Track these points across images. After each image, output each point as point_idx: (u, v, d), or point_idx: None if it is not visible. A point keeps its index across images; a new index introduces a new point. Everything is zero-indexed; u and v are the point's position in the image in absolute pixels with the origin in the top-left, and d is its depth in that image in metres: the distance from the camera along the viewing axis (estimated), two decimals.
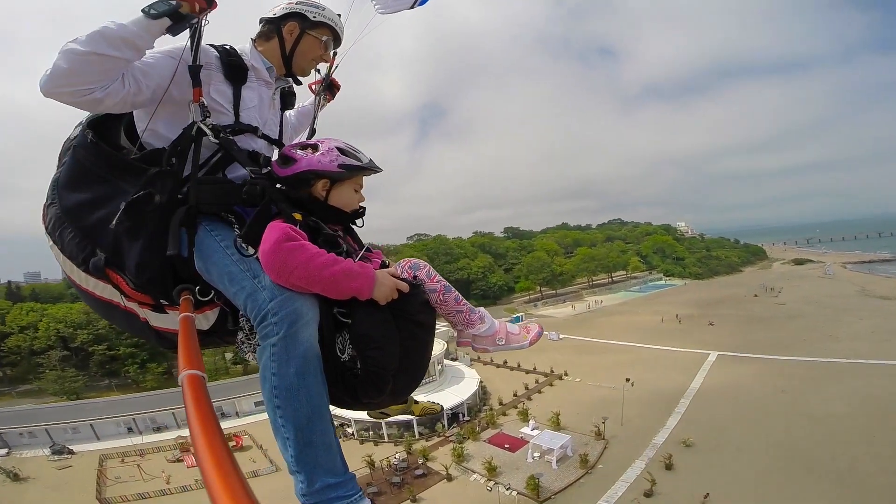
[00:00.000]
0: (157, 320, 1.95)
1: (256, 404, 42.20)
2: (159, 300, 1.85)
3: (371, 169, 1.90)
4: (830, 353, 42.32)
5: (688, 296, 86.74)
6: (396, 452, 31.64)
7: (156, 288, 1.80)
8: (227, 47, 1.97)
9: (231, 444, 30.93)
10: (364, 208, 2.01)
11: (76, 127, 1.97)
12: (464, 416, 37.53)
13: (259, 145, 2.08)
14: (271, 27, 2.09)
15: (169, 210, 1.72)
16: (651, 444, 28.36)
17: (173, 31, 1.61)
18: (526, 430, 32.45)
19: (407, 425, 34.93)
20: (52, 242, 1.92)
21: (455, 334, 2.04)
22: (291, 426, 1.43)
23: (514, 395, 40.87)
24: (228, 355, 59.05)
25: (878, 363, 38.22)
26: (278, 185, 1.82)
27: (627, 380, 35.30)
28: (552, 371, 45.56)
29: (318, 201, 1.83)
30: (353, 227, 2.06)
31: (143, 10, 1.54)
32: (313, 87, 2.69)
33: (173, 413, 40.95)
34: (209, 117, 1.79)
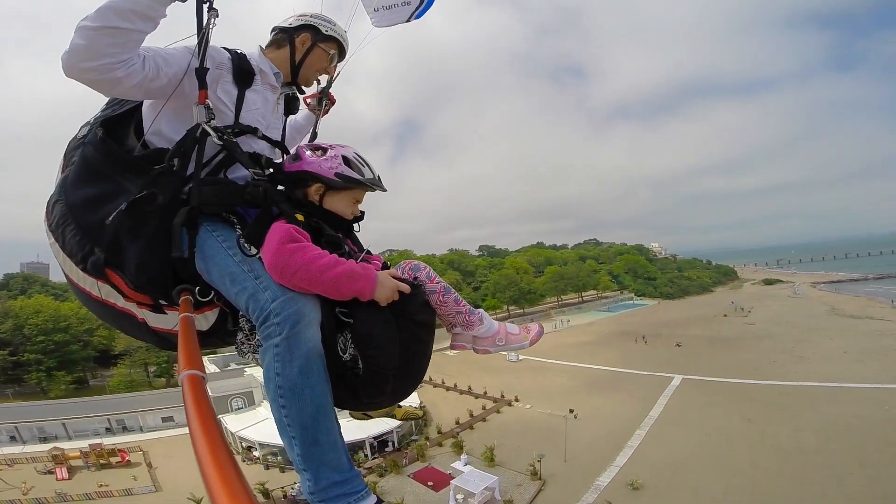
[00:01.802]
0: (155, 321, 1.93)
1: (164, 420, 39.86)
2: (158, 300, 1.84)
3: (371, 186, 1.88)
4: (801, 377, 38.96)
5: (657, 316, 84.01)
6: (296, 483, 26.51)
7: (155, 288, 1.78)
8: (239, 52, 1.99)
9: (115, 459, 32.44)
10: (362, 213, 1.99)
11: (82, 127, 1.99)
12: (393, 444, 32.71)
13: (260, 147, 2.03)
14: (285, 36, 2.14)
15: (171, 210, 1.70)
16: (594, 485, 24.09)
17: None
18: (458, 465, 27.83)
19: None
20: (53, 240, 1.89)
21: (451, 337, 2.01)
22: (297, 425, 1.43)
23: (457, 422, 36.25)
24: (152, 368, 55.07)
25: (850, 387, 34.86)
26: (279, 186, 1.85)
27: (571, 411, 31.09)
28: (502, 396, 41.11)
29: (312, 204, 1.82)
30: (353, 231, 2.04)
31: None
32: (308, 100, 2.64)
33: (63, 423, 38.32)
34: (213, 119, 1.77)
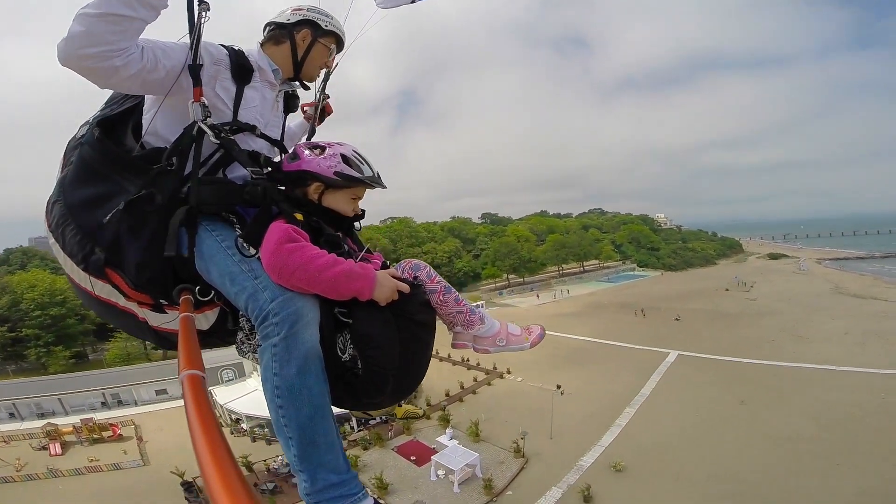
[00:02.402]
0: (156, 320, 1.95)
1: (157, 392, 40.03)
2: (159, 300, 1.84)
3: (370, 183, 1.88)
4: (799, 357, 38.22)
5: (658, 288, 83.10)
6: (279, 456, 26.65)
7: (155, 288, 1.78)
8: (237, 48, 1.97)
9: (107, 434, 32.59)
10: (363, 211, 1.99)
11: (81, 126, 2.00)
12: (382, 417, 32.54)
13: (259, 145, 2.04)
14: (283, 32, 2.09)
15: (170, 210, 1.70)
16: (576, 465, 23.71)
17: None
18: (443, 439, 27.65)
19: None
20: (53, 240, 1.90)
21: (452, 336, 2.02)
22: (294, 426, 1.43)
23: (447, 394, 36.06)
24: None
25: (849, 370, 34.15)
26: (279, 185, 1.85)
27: (558, 387, 30.62)
28: (494, 368, 40.85)
29: (311, 203, 1.82)
30: (353, 229, 2.05)
31: None
32: (306, 108, 2.64)
33: (59, 398, 38.34)
34: (210, 117, 1.77)
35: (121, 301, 1.87)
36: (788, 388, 31.71)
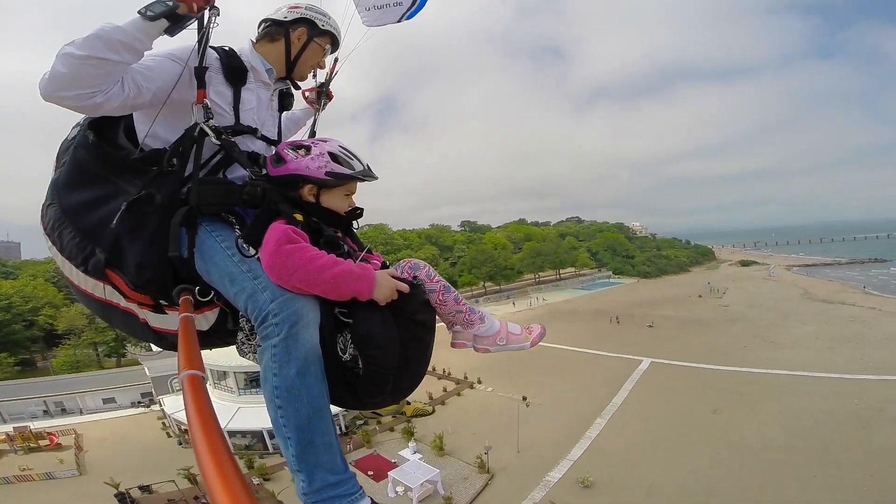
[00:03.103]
0: (156, 321, 1.93)
1: (105, 401, 38.74)
2: (159, 300, 1.83)
3: (362, 178, 1.84)
4: (771, 364, 37.82)
5: (633, 295, 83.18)
6: None
7: (155, 288, 1.78)
8: (227, 49, 1.94)
9: (44, 442, 30.87)
10: (361, 210, 1.95)
11: (73, 128, 1.97)
12: (340, 428, 30.65)
13: (258, 146, 2.04)
14: (279, 30, 2.05)
15: (169, 210, 1.70)
16: (543, 481, 22.33)
17: (171, 31, 1.58)
18: (405, 452, 25.99)
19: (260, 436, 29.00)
20: (50, 243, 1.89)
21: (451, 335, 1.99)
22: (293, 426, 1.42)
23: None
24: (102, 348, 51.93)
25: (821, 376, 33.78)
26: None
27: (524, 399, 29.37)
28: (465, 378, 39.37)
29: (309, 203, 1.79)
30: (353, 229, 2.03)
31: (139, 12, 1.50)
32: (306, 94, 2.63)
33: None
34: (212, 119, 1.76)
35: (122, 302, 1.87)
36: (761, 396, 31.04)
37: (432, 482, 21.84)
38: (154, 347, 42.24)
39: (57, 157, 1.96)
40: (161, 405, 34.63)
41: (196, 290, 1.74)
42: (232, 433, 29.49)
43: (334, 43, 2.19)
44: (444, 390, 37.36)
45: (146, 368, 37.01)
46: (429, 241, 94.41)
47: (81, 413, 37.42)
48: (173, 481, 23.69)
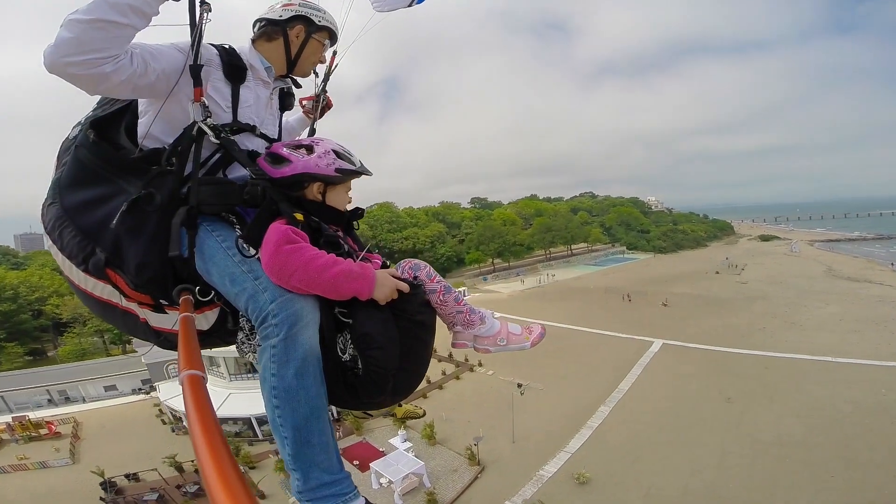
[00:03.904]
0: (156, 320, 1.95)
1: (106, 389, 38.73)
2: (159, 300, 1.84)
3: (363, 173, 1.89)
4: (791, 347, 35.51)
5: (647, 271, 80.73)
6: None
7: (156, 288, 1.79)
8: (227, 47, 1.94)
9: (43, 431, 31.25)
10: (363, 210, 2.00)
11: (74, 128, 1.98)
12: (333, 415, 29.50)
13: (257, 145, 2.02)
14: (276, 29, 2.03)
15: (169, 210, 1.71)
16: (537, 475, 20.84)
17: None
18: (396, 441, 24.85)
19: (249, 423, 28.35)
20: (51, 242, 1.90)
21: (452, 335, 2.00)
22: (290, 426, 1.43)
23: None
24: (108, 335, 51.66)
25: (845, 362, 31.48)
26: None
27: (519, 385, 27.82)
28: (466, 360, 38.00)
29: (313, 202, 1.80)
30: (353, 228, 2.05)
31: None
32: (304, 103, 2.63)
33: (2, 396, 36.96)
34: (210, 117, 1.77)
35: (121, 302, 1.87)
36: (779, 383, 28.98)
37: (417, 475, 20.60)
38: None
39: (58, 157, 1.97)
40: (157, 391, 34.22)
41: (196, 290, 1.74)
42: (222, 420, 28.97)
43: (332, 37, 2.16)
44: (444, 373, 36.06)
45: (142, 355, 36.54)
46: (436, 219, 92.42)
47: (84, 401, 37.58)
48: (156, 469, 23.22)
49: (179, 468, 24.03)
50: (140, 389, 38.19)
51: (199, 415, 0.95)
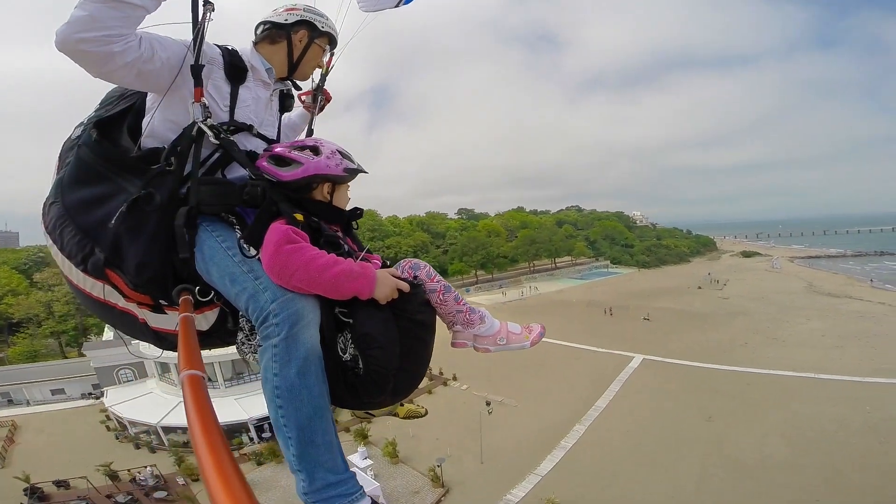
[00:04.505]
0: (155, 321, 1.94)
1: (53, 392, 37.33)
2: (158, 300, 1.83)
3: (363, 171, 1.91)
4: (774, 363, 34.56)
5: (630, 285, 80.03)
6: (148, 465, 23.90)
7: (155, 288, 1.78)
8: (230, 48, 1.96)
9: None
10: (362, 210, 1.98)
11: (76, 128, 1.98)
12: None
13: (255, 145, 2.01)
14: (280, 32, 2.05)
15: (169, 210, 1.70)
16: (503, 500, 19.29)
17: None
18: (355, 458, 22.94)
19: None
20: (51, 242, 1.89)
21: (451, 335, 1.97)
22: (293, 426, 1.42)
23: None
24: (64, 337, 49.03)
25: (828, 379, 30.55)
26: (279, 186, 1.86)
27: (487, 404, 26.31)
28: (440, 373, 36.35)
29: (318, 202, 1.81)
30: (352, 228, 2.04)
31: None
32: (304, 98, 2.62)
33: None
34: (210, 117, 1.77)
35: (120, 302, 1.86)
36: (762, 400, 27.81)
37: (373, 495, 18.75)
38: (107, 335, 40.95)
39: (59, 157, 1.96)
40: (104, 396, 32.56)
41: (196, 290, 1.73)
42: (169, 429, 27.74)
43: (332, 42, 2.20)
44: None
45: (90, 359, 34.72)
46: (420, 228, 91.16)
47: (28, 404, 35.85)
48: (85, 477, 21.90)
49: (114, 476, 23.05)
50: (90, 394, 36.60)
51: (199, 415, 0.94)
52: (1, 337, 51.07)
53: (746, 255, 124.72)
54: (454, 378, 35.51)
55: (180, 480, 23.02)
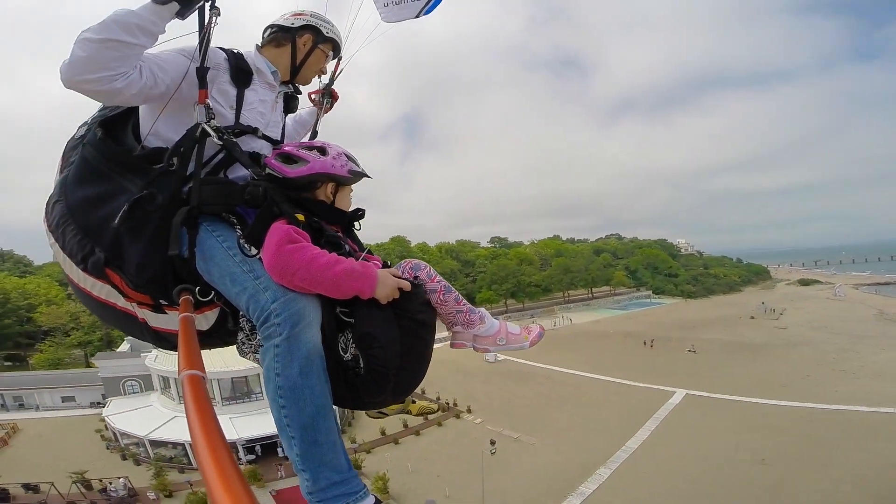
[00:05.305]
0: (155, 321, 1.93)
1: (64, 399, 37.75)
2: (159, 300, 1.83)
3: (367, 175, 1.93)
4: (843, 398, 29.54)
5: (673, 315, 74.68)
6: (122, 477, 23.38)
7: (156, 288, 1.77)
8: (236, 51, 1.98)
9: None
10: (363, 211, 2.00)
11: (80, 127, 2.00)
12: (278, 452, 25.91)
13: (259, 146, 2.02)
14: (286, 36, 2.10)
15: (171, 210, 1.70)
16: None
17: (182, 14, 1.62)
18: None
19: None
20: (53, 240, 1.89)
21: (451, 335, 1.97)
22: (296, 425, 1.42)
23: (382, 433, 29.00)
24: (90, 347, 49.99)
25: None
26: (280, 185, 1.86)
27: (492, 443, 23.19)
28: (454, 404, 33.36)
29: (320, 203, 1.82)
30: (353, 229, 2.04)
31: None
32: (313, 96, 2.68)
33: None
34: (213, 119, 1.78)
35: (120, 301, 1.86)
36: (830, 440, 23.21)
37: None
38: (126, 346, 40.94)
39: (63, 156, 1.95)
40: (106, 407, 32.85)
41: (196, 290, 1.72)
42: (159, 442, 27.41)
43: (335, 49, 2.25)
44: (425, 418, 31.34)
45: (99, 369, 35.29)
46: (450, 256, 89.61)
47: (38, 409, 36.73)
48: (51, 483, 21.61)
49: (88, 486, 22.88)
50: (98, 404, 36.76)
51: (200, 415, 0.94)
52: (31, 343, 52.79)
53: (804, 283, 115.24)
54: (468, 410, 32.48)
55: (151, 495, 22.51)
